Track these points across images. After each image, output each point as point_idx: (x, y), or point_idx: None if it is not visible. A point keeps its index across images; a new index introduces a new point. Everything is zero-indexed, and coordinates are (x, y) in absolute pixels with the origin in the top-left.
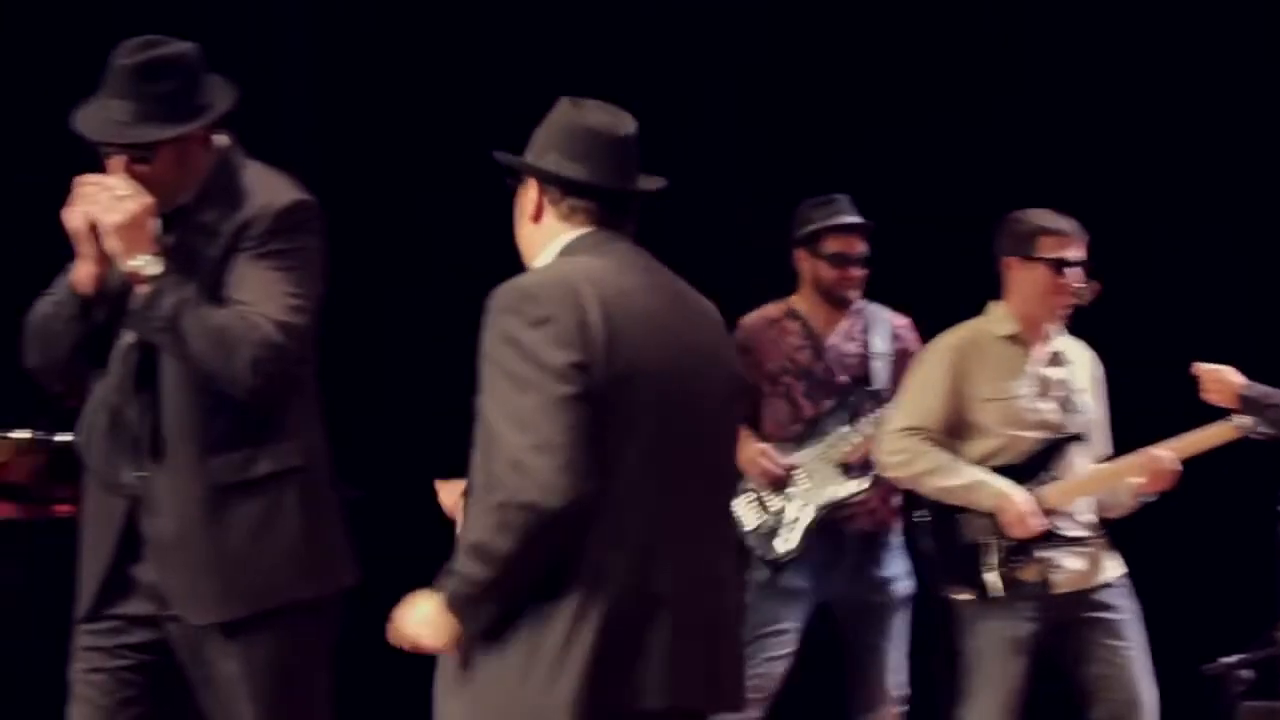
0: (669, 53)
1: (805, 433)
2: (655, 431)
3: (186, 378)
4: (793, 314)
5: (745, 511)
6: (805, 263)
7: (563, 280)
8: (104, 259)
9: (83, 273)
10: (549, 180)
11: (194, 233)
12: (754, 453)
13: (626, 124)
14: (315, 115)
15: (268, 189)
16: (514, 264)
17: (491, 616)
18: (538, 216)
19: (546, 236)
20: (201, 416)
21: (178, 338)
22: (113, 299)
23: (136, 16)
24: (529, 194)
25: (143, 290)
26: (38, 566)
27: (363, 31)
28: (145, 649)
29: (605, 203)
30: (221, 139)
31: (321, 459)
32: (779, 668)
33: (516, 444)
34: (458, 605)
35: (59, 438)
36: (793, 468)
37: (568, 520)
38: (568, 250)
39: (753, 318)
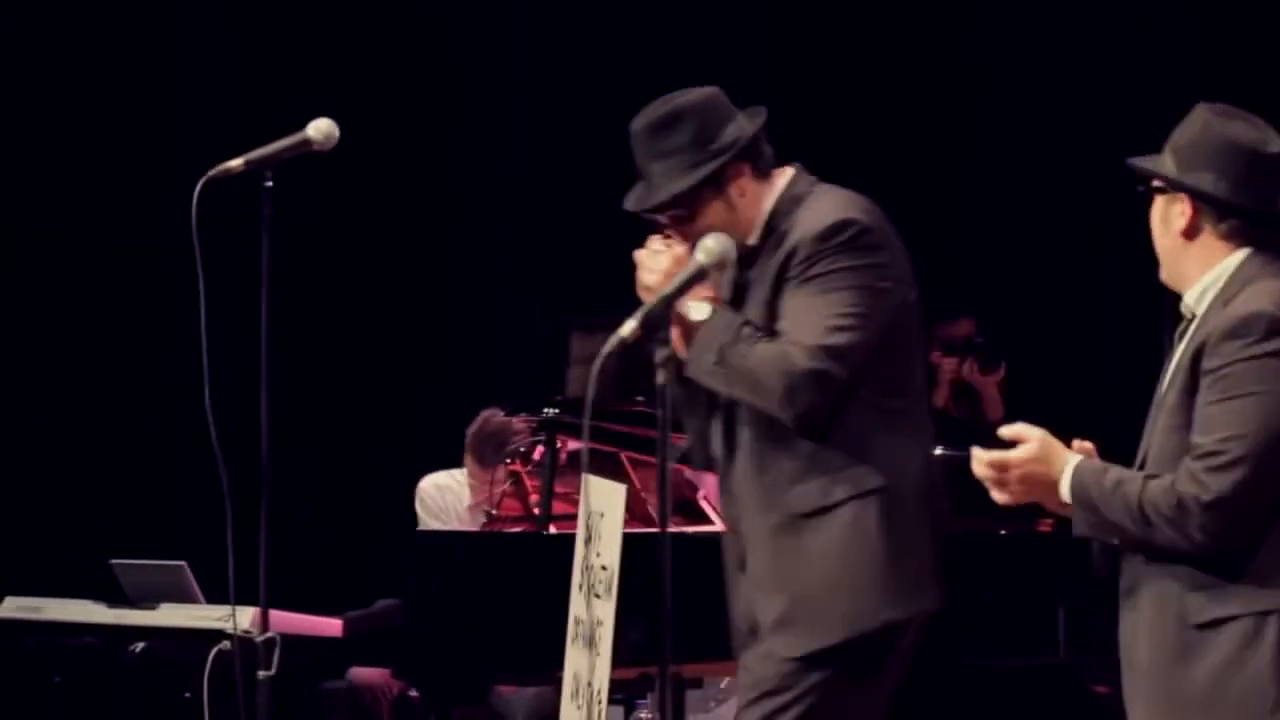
0: None
1: None
2: None
3: (755, 416)
4: None
5: None
6: None
7: None
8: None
9: (673, 334)
10: (1207, 200)
11: (754, 270)
12: None
13: (1274, 140)
14: None
15: (814, 214)
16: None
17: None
18: (1191, 234)
19: (1204, 255)
20: (774, 451)
21: (723, 380)
22: None
23: None
24: (1178, 209)
25: (696, 335)
26: None
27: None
28: None
29: (1261, 224)
30: (785, 173)
31: (911, 475)
32: None
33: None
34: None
35: None
36: None
37: None
38: (1245, 274)
39: None
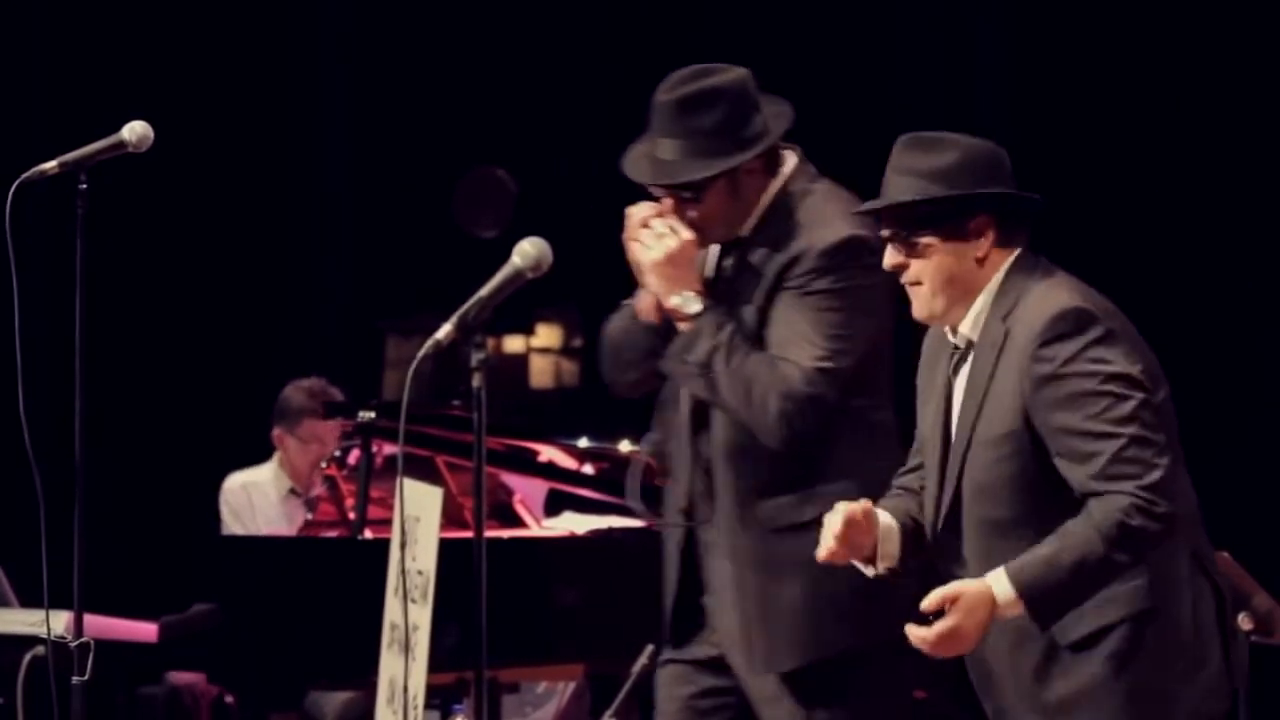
0: None
1: None
2: (1175, 430)
3: (733, 423)
4: None
5: None
6: None
7: (1091, 297)
8: None
9: (645, 302)
10: (1005, 210)
11: (745, 265)
12: None
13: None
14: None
15: (819, 222)
16: None
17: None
18: (985, 252)
19: (987, 272)
20: (749, 461)
21: (709, 384)
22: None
23: None
24: (974, 234)
25: (682, 329)
26: None
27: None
28: (719, 691)
29: (1026, 222)
30: (788, 162)
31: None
32: None
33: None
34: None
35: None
36: None
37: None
38: (1012, 283)
39: None
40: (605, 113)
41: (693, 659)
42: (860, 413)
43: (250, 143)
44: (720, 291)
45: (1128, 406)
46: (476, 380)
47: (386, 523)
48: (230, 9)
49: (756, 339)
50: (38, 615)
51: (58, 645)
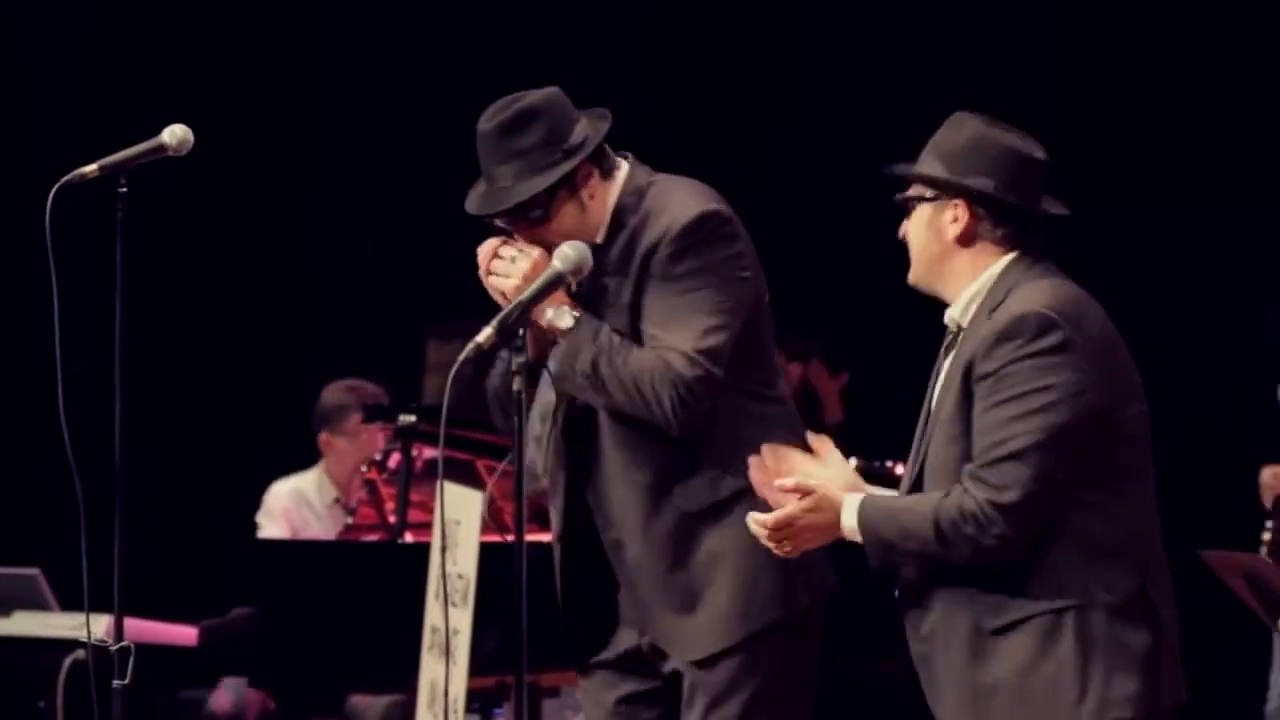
0: None
1: None
2: (1145, 446)
3: (619, 419)
4: None
5: None
6: None
7: (1069, 304)
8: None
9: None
10: (989, 205)
11: (608, 269)
12: None
13: (1036, 146)
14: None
15: (668, 208)
16: None
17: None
18: (968, 240)
19: (974, 261)
20: (648, 456)
21: (599, 390)
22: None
23: None
24: (950, 214)
25: (561, 344)
26: None
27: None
28: (644, 695)
29: (1030, 228)
30: (622, 166)
31: None
32: None
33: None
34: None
35: None
36: None
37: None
38: (1009, 279)
39: None
40: (641, 117)
41: (614, 657)
42: (752, 389)
43: (290, 146)
44: (590, 301)
45: (1034, 422)
46: (517, 384)
47: (427, 526)
48: (269, 11)
49: (634, 336)
50: (78, 619)
51: (98, 649)
